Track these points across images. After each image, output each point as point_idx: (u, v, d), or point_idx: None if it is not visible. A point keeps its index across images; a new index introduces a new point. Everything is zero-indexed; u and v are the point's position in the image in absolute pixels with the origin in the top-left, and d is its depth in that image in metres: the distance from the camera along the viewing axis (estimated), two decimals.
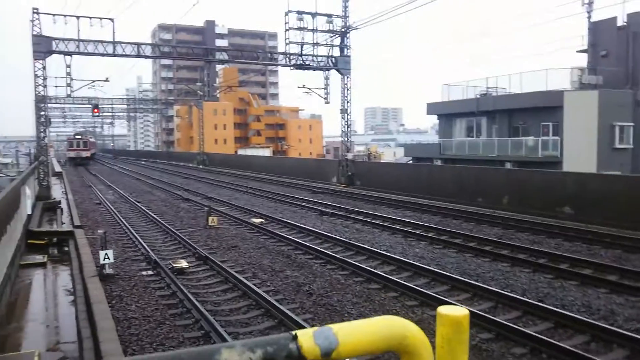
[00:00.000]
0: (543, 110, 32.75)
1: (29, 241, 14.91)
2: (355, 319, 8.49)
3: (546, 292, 9.96)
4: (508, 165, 32.59)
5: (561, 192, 18.40)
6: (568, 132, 31.42)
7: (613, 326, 7.92)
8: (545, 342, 7.29)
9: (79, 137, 77.99)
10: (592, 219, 16.63)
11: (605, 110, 31.73)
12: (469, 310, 1.74)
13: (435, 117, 44.55)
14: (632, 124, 32.83)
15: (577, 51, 38.50)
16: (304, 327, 7.84)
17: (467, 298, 9.76)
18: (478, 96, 38.20)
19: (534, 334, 7.57)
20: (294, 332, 1.46)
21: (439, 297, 9.40)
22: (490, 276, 11.14)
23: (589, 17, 36.11)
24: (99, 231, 12.43)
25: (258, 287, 10.24)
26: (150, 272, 12.00)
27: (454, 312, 1.58)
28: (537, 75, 33.88)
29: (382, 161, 58.42)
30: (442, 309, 1.60)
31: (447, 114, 41.18)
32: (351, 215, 20.16)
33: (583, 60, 38.32)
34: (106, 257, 11.24)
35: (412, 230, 16.49)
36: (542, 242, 14.65)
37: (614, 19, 35.41)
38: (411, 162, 43.45)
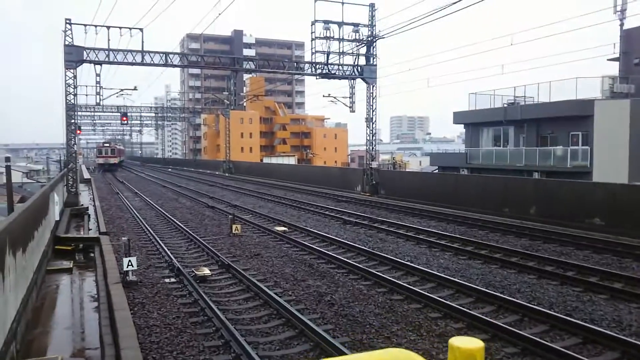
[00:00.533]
0: (572, 119, 32.15)
1: (56, 247, 15.16)
2: (377, 330, 8.41)
3: (574, 305, 9.69)
4: (536, 175, 32.04)
5: (591, 203, 17.97)
6: (598, 142, 30.75)
7: None
8: (573, 357, 7.06)
9: (108, 144, 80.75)
10: (623, 230, 16.18)
11: (637, 120, 30.96)
12: (482, 341, 1.62)
13: (462, 126, 44.12)
14: None
15: (608, 59, 37.76)
16: (324, 338, 7.76)
17: (492, 310, 9.54)
18: (505, 105, 37.72)
19: (562, 349, 7.34)
20: None
21: (463, 309, 9.21)
22: (517, 288, 10.89)
23: (622, 25, 35.42)
24: (122, 238, 12.54)
25: (279, 296, 10.18)
26: (172, 280, 12.05)
27: (468, 344, 1.48)
28: (567, 84, 33.29)
29: (407, 170, 58.03)
30: (455, 341, 1.49)
31: (474, 123, 40.74)
32: (375, 225, 20.01)
33: (614, 68, 37.57)
34: (129, 264, 11.32)
35: (437, 241, 16.27)
36: (570, 254, 14.30)
37: None
38: (437, 171, 43.06)
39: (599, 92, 34.23)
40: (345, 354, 7.09)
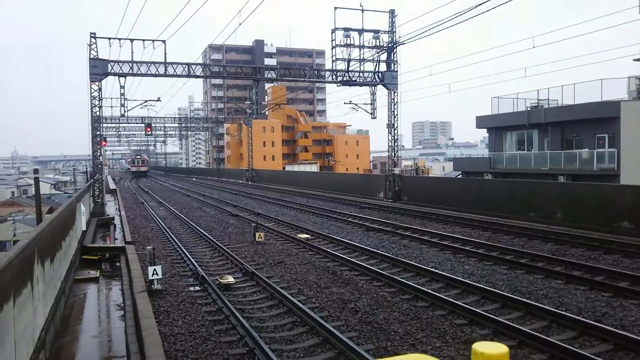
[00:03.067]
0: (598, 121, 31.62)
1: (83, 256, 15.39)
2: (401, 337, 8.34)
3: (604, 311, 9.49)
4: (561, 179, 31.54)
5: (619, 206, 17.62)
6: (626, 144, 30.16)
7: None
8: None
9: (139, 156, 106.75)
10: None
11: None
12: (507, 347, 1.58)
13: (485, 130, 43.73)
14: None
15: (634, 59, 37.02)
16: (349, 345, 7.72)
17: (518, 316, 9.39)
18: (529, 108, 37.30)
19: (592, 355, 7.18)
20: None
21: (489, 315, 9.08)
22: (544, 294, 10.71)
23: None
24: (147, 247, 12.68)
25: (303, 304, 10.17)
26: (197, 288, 12.13)
27: (492, 349, 1.44)
28: (591, 85, 32.79)
29: (429, 176, 57.65)
30: (479, 346, 1.46)
31: (497, 127, 40.35)
32: (398, 231, 19.89)
33: None
34: (155, 272, 11.43)
35: (462, 247, 16.10)
36: (598, 259, 14.02)
37: None
38: (460, 176, 42.69)
39: (626, 93, 33.62)
40: None
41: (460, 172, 44.78)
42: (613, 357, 7.48)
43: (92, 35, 27.44)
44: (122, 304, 10.68)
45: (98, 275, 13.53)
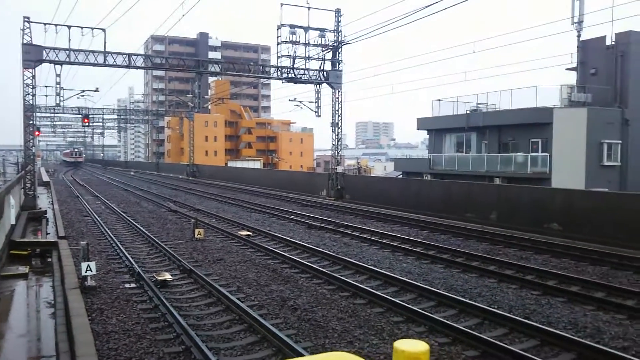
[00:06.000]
0: (532, 126, 32.94)
1: (11, 252, 14.67)
2: (339, 334, 8.41)
3: (533, 308, 9.89)
4: (497, 181, 32.67)
5: (550, 209, 18.42)
6: (557, 149, 31.59)
7: (599, 344, 7.84)
8: (530, 359, 7.20)
9: (76, 149, 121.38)
10: (580, 235, 16.65)
11: (593, 128, 32.00)
12: (428, 344, 1.61)
13: (426, 132, 44.69)
14: (620, 141, 33.11)
15: (567, 69, 38.82)
16: (287, 343, 7.71)
17: (453, 314, 9.66)
18: (468, 112, 38.39)
19: (520, 351, 7.47)
20: None
21: (425, 313, 9.29)
22: (478, 292, 11.06)
23: (579, 36, 36.47)
24: (81, 242, 12.22)
25: (242, 301, 10.09)
26: (133, 285, 11.80)
27: (413, 347, 1.47)
28: (527, 92, 34.10)
29: (371, 175, 58.40)
30: (400, 344, 1.49)
31: (437, 129, 41.32)
32: (339, 229, 20.05)
33: (572, 78, 38.64)
34: (88, 268, 11.03)
35: (400, 245, 16.41)
36: (529, 258, 14.61)
37: (603, 37, 35.78)
38: (401, 176, 43.48)
39: (558, 100, 35.16)
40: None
41: (401, 173, 45.61)
42: (539, 352, 7.81)
43: (26, 19, 26.20)
44: (53, 302, 10.25)
45: (27, 271, 12.92)
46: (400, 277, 11.96)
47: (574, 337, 8.02)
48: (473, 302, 9.93)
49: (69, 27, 27.08)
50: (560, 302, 10.34)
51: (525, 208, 19.30)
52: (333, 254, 14.79)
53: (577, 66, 37.30)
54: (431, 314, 9.34)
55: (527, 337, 8.38)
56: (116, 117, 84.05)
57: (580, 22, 35.78)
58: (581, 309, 9.92)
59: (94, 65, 28.06)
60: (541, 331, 8.35)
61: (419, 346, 1.46)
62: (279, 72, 31.54)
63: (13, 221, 17.68)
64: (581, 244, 15.76)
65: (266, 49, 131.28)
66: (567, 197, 18.44)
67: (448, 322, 8.81)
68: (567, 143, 31.68)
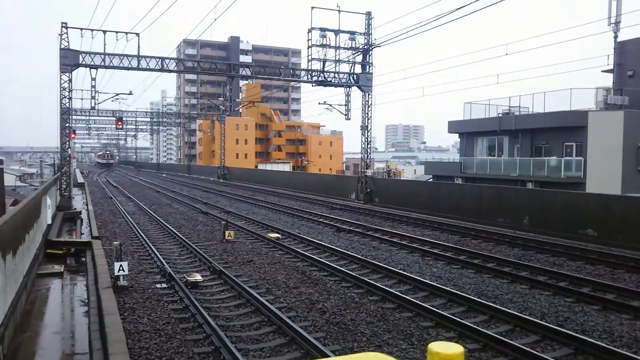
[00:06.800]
0: (566, 130, 32.30)
1: (47, 251, 15.06)
2: (368, 338, 8.37)
3: (566, 316, 9.68)
4: (530, 186, 32.12)
5: (584, 214, 18.02)
6: (592, 153, 30.90)
7: (638, 354, 7.62)
8: None
9: (108, 152, 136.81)
10: (616, 242, 16.25)
11: (630, 131, 31.16)
12: (464, 347, 1.58)
13: (457, 135, 44.27)
14: None
15: (603, 71, 38.01)
16: (315, 345, 7.71)
17: (484, 320, 9.51)
18: (500, 115, 37.88)
19: (553, 359, 7.32)
20: None
21: (455, 318, 9.18)
22: (509, 298, 10.88)
23: (616, 37, 35.65)
24: (114, 243, 12.46)
25: (271, 303, 10.13)
26: (164, 285, 11.97)
27: (448, 349, 1.45)
28: (561, 94, 33.48)
29: (401, 178, 58.04)
30: (434, 346, 1.47)
31: (468, 132, 40.89)
32: (368, 233, 19.98)
33: (608, 80, 37.80)
34: (121, 268, 11.24)
35: (430, 250, 16.26)
36: (563, 265, 14.32)
37: None
38: (431, 180, 43.12)
39: (593, 103, 34.43)
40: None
41: (432, 176, 45.24)
42: None
43: (64, 25, 26.88)
44: (87, 300, 10.47)
45: (62, 270, 13.25)
46: (430, 282, 11.85)
47: (609, 347, 7.82)
48: (504, 308, 9.77)
49: (104, 32, 27.65)
50: (595, 310, 10.10)
51: (558, 213, 18.92)
52: (362, 258, 14.74)
53: (613, 68, 36.48)
54: (461, 319, 9.22)
55: (560, 345, 8.20)
56: (149, 119, 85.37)
57: (617, 23, 34.98)
58: (617, 317, 9.67)
59: (128, 69, 28.58)
60: (575, 339, 8.16)
61: (454, 348, 1.44)
62: (309, 75, 31.62)
63: (49, 221, 18.14)
64: (617, 251, 15.37)
65: (296, 53, 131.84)
66: (603, 202, 17.98)
67: (478, 327, 8.69)
68: (603, 147, 30.94)
